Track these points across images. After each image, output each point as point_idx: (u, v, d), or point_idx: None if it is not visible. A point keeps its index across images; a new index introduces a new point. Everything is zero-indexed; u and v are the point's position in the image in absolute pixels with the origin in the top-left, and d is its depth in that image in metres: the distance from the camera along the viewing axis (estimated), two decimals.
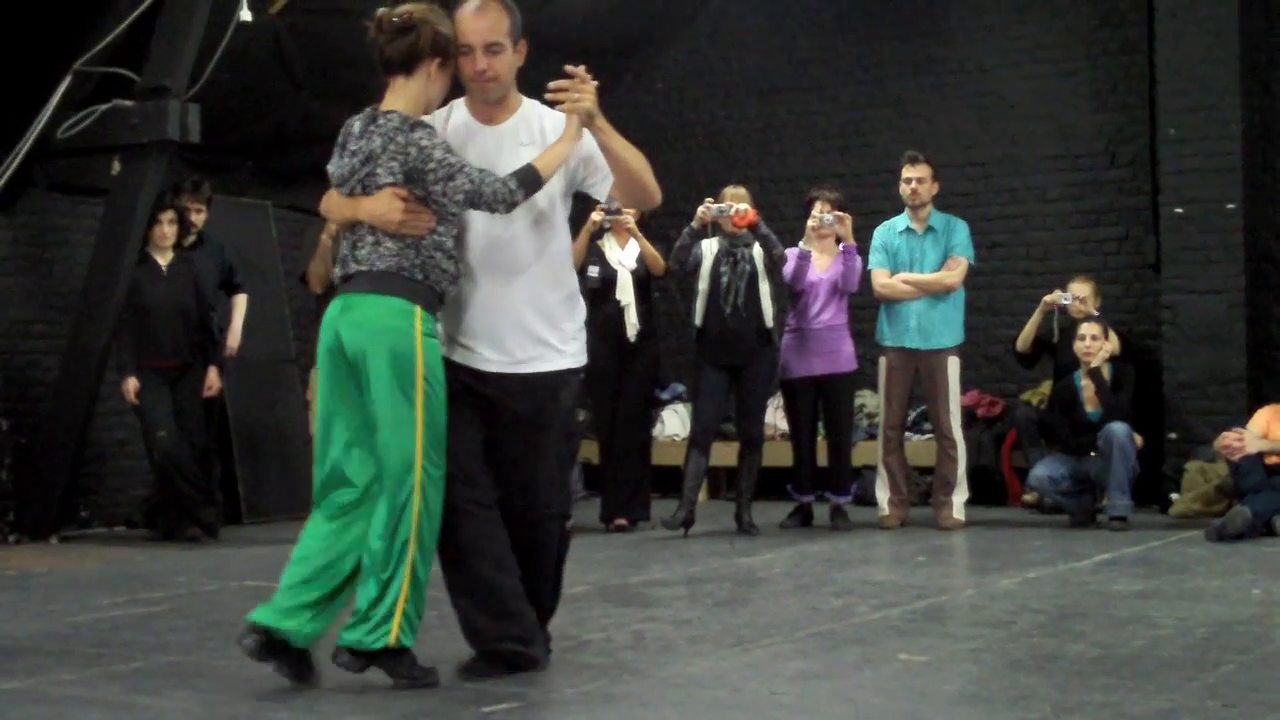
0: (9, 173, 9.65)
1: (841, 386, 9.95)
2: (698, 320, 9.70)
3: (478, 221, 5.03)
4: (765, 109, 13.28)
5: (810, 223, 9.94)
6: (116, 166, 9.74)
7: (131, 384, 9.58)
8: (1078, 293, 10.41)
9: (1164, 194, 10.96)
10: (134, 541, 9.89)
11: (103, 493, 10.67)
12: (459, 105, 5.18)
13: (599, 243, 10.02)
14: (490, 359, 5.05)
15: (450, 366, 4.99)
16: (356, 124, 5.05)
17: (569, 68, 4.99)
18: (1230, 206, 10.64)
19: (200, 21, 9.46)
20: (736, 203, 9.56)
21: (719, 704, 4.71)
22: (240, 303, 10.29)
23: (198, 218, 10.10)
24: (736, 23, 13.36)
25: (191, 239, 10.06)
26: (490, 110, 5.12)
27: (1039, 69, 12.18)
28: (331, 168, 5.10)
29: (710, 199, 9.62)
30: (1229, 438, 9.26)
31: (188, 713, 4.62)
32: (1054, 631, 5.86)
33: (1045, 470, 9.86)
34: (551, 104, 5.03)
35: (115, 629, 6.24)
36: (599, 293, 9.91)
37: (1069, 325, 10.20)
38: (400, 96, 5.02)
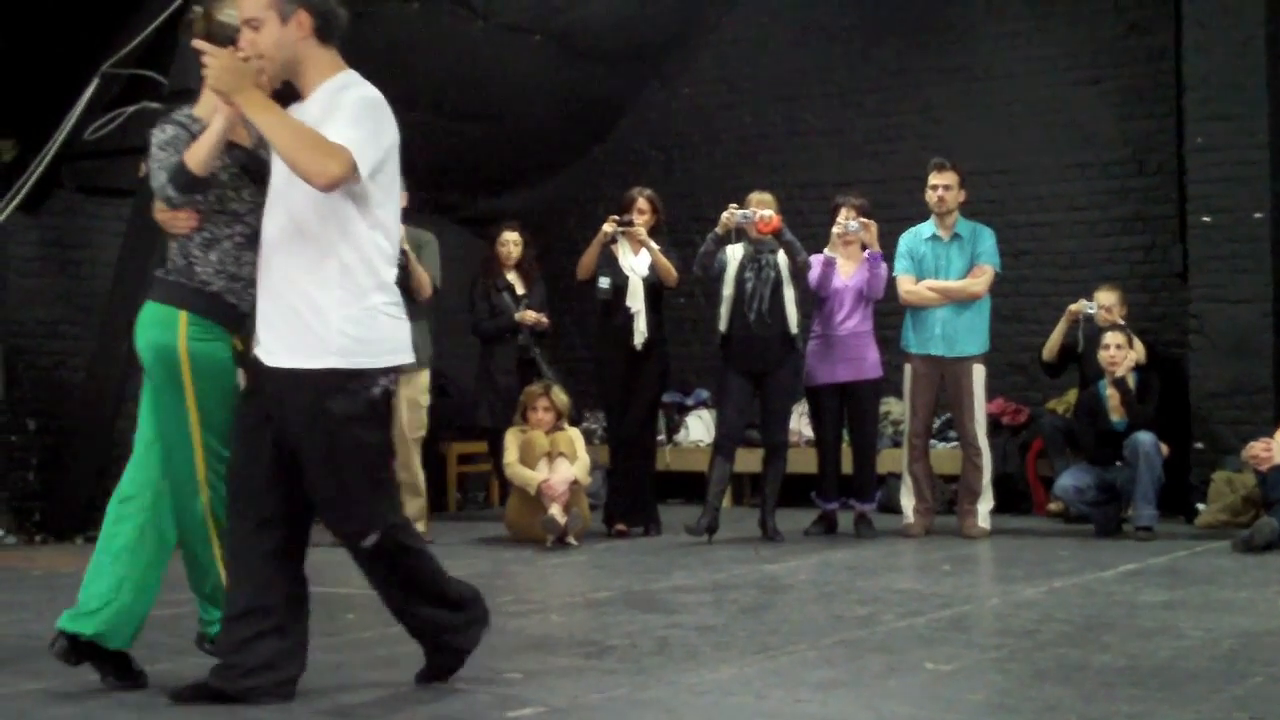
0: (36, 174, 9.68)
1: (866, 393, 9.94)
2: (722, 326, 9.69)
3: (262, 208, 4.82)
4: (791, 115, 13.27)
5: (835, 229, 9.94)
6: (143, 168, 9.69)
7: None
8: (1103, 301, 10.37)
9: (1191, 202, 10.92)
10: None
11: None
12: None
13: (613, 249, 10.02)
14: (264, 349, 4.73)
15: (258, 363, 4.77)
16: None
17: (195, 41, 4.75)
18: (1258, 215, 10.59)
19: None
20: (761, 209, 9.55)
21: (743, 711, 4.70)
22: None
23: None
24: (763, 29, 13.36)
25: None
26: (304, 88, 4.78)
27: (1066, 76, 12.15)
28: None
29: (735, 205, 9.61)
30: (1256, 448, 9.22)
31: (213, 714, 4.63)
32: (1080, 641, 5.84)
33: (1071, 479, 9.83)
34: None
35: (141, 630, 6.24)
36: (610, 302, 9.93)
37: (1095, 334, 10.16)
38: (204, 94, 4.95)
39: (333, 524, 4.77)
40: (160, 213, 4.96)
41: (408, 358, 4.80)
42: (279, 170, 4.69)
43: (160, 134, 4.95)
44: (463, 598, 4.99)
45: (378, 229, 4.71)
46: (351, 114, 4.62)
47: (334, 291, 4.63)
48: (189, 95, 9.29)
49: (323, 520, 4.81)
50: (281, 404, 4.67)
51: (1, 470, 10.01)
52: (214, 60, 4.61)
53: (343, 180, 4.54)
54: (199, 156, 4.79)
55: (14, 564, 8.73)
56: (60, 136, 9.65)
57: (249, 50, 4.67)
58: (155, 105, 9.61)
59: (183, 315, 4.87)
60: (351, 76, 4.75)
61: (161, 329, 4.90)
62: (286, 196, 4.68)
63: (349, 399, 4.62)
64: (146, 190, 9.52)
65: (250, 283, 4.86)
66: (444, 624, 4.96)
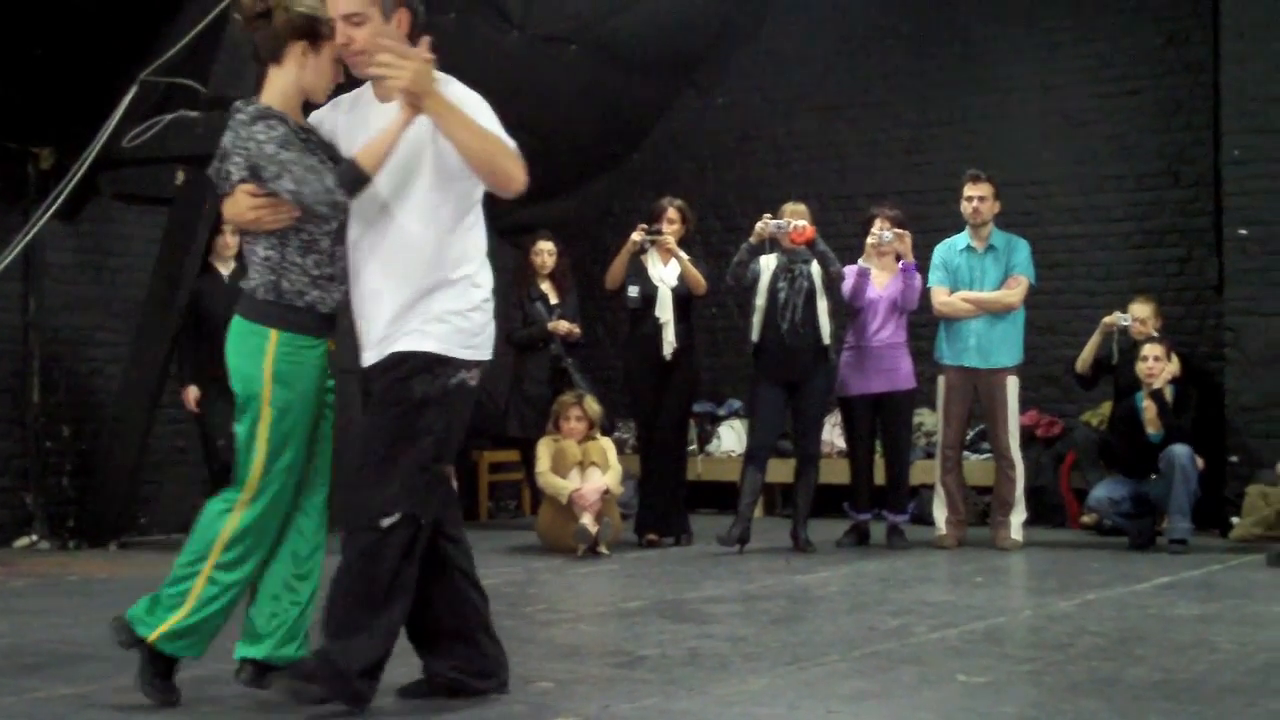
0: (74, 181, 9.74)
1: (900, 405, 9.92)
2: (755, 336, 9.68)
3: (356, 209, 4.73)
4: (826, 125, 13.26)
5: (870, 240, 9.93)
6: (180, 176, 9.82)
7: (192, 393, 9.65)
8: (1138, 314, 10.33)
9: (1227, 215, 10.87)
10: None
11: (162, 500, 10.75)
12: (368, 84, 4.85)
13: (642, 259, 10.03)
14: (367, 353, 4.79)
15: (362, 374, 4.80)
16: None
17: (382, 40, 4.59)
18: None
19: None
20: (795, 219, 9.54)
21: None
22: None
23: None
24: (798, 38, 13.35)
25: None
26: (384, 86, 4.71)
27: (1103, 88, 12.11)
28: (210, 171, 4.91)
29: (769, 214, 9.61)
30: None
31: (240, 713, 4.64)
32: (1113, 655, 5.81)
33: (1105, 492, 9.79)
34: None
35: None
36: (638, 311, 9.94)
37: (1129, 346, 10.12)
38: (271, 87, 4.81)
39: (358, 501, 4.66)
40: (249, 211, 4.69)
41: (490, 355, 4.83)
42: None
43: (262, 133, 4.66)
44: (480, 646, 4.92)
45: (477, 226, 4.80)
46: (485, 114, 4.65)
47: (442, 286, 4.68)
48: (226, 103, 9.43)
49: (344, 504, 4.77)
50: (368, 389, 4.72)
51: (36, 476, 10.08)
52: (408, 60, 4.50)
53: (525, 183, 4.64)
54: (377, 157, 4.59)
55: (49, 570, 8.78)
56: (98, 144, 9.71)
57: (355, 45, 4.64)
58: (192, 114, 9.67)
59: (274, 334, 4.76)
60: (445, 77, 4.70)
61: (250, 349, 4.79)
62: (392, 193, 4.66)
63: (430, 382, 4.65)
64: (185, 198, 9.70)
65: (343, 278, 4.80)
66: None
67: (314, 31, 4.73)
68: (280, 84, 4.78)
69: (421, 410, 4.65)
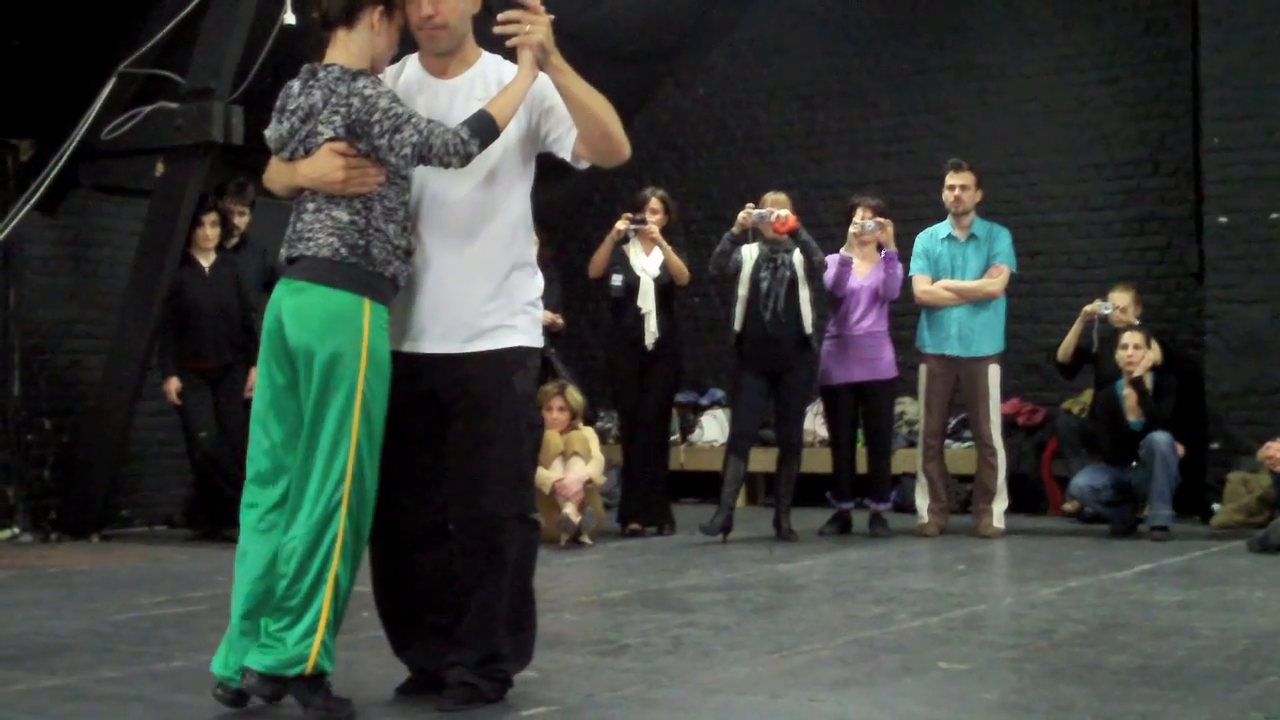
0: (53, 173, 9.73)
1: (882, 393, 9.94)
2: (737, 326, 9.69)
3: (424, 182, 4.60)
4: (807, 115, 13.27)
5: (852, 229, 9.94)
6: (160, 168, 9.81)
7: (173, 384, 9.64)
8: (1118, 302, 10.36)
9: (1207, 203, 10.90)
10: (175, 541, 9.95)
11: (144, 492, 10.74)
12: (411, 60, 4.77)
13: (624, 248, 10.03)
14: (436, 340, 4.61)
15: (395, 358, 4.57)
16: (295, 84, 4.61)
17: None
18: (1274, 216, 10.57)
19: (244, 24, 9.51)
20: (777, 208, 9.55)
21: (757, 710, 4.70)
22: None
23: (240, 220, 10.16)
24: (779, 28, 13.35)
25: (234, 241, 10.12)
26: (444, 63, 4.67)
27: (1082, 76, 12.13)
28: (269, 133, 4.68)
29: (751, 204, 9.61)
30: (1272, 448, 9.21)
31: (228, 712, 4.63)
32: (1095, 641, 5.83)
33: (1086, 479, 9.82)
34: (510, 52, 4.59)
35: (156, 628, 6.27)
36: (621, 300, 9.94)
37: (1110, 335, 10.15)
38: (342, 51, 4.57)
39: (499, 506, 4.58)
40: (335, 170, 4.45)
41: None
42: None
43: (369, 88, 4.44)
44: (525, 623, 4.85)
45: (530, 211, 4.79)
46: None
47: (520, 268, 4.68)
48: (207, 95, 9.44)
49: (475, 504, 4.59)
50: (463, 388, 4.59)
51: (18, 468, 10.05)
52: (541, 20, 4.47)
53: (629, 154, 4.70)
54: (507, 111, 4.48)
55: (30, 562, 8.76)
56: (77, 136, 9.70)
57: (439, 19, 4.56)
58: (172, 105, 9.66)
59: (367, 305, 4.46)
60: (496, 57, 4.70)
61: (348, 317, 4.43)
62: (490, 168, 4.60)
63: (527, 376, 4.67)
64: (165, 189, 9.67)
65: (407, 255, 4.58)
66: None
67: None
68: (354, 48, 4.57)
69: (526, 406, 4.69)
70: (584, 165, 4.76)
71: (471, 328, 4.60)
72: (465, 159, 4.43)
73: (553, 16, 4.52)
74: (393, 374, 4.54)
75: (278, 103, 4.67)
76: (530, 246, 4.78)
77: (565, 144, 4.68)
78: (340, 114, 4.47)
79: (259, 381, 4.65)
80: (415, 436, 4.67)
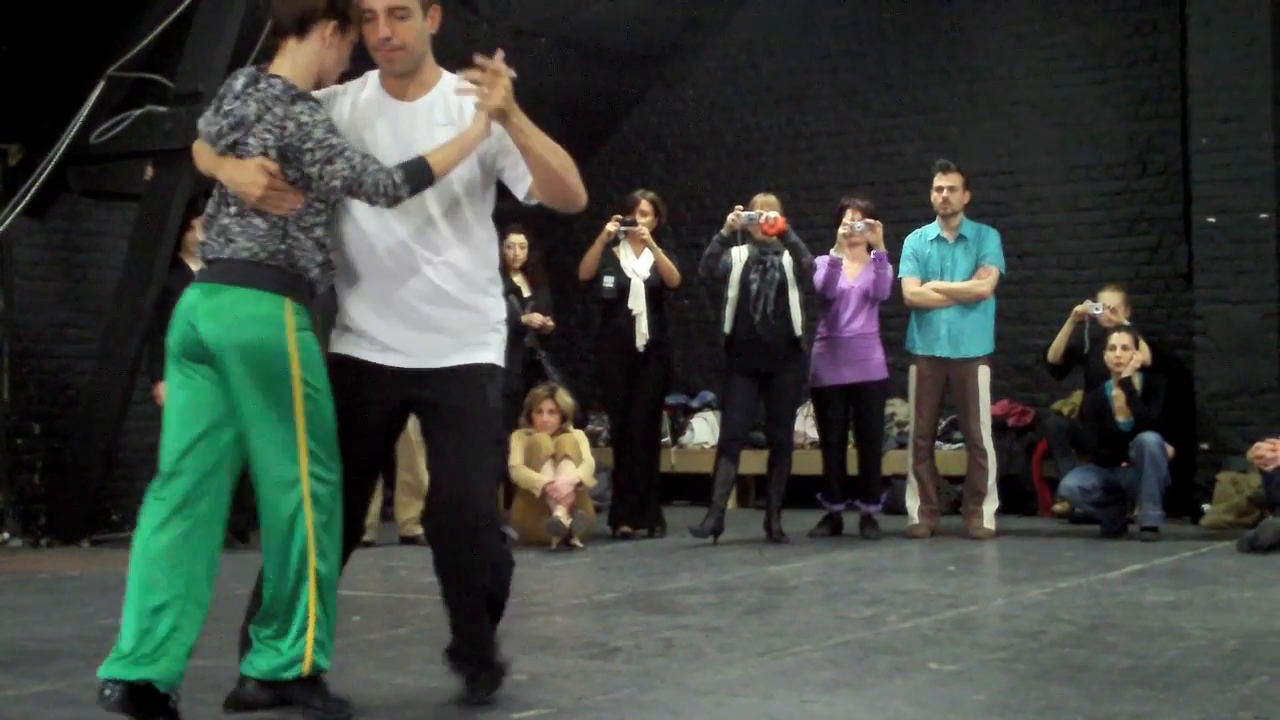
0: (42, 178, 9.71)
1: (872, 395, 9.94)
2: (727, 328, 9.69)
3: (395, 214, 4.57)
4: (796, 116, 13.28)
5: (841, 230, 9.95)
6: (149, 172, 9.80)
7: (163, 389, 9.58)
8: (1108, 302, 10.38)
9: (1196, 203, 10.92)
10: None
11: (134, 497, 10.61)
12: (372, 78, 4.71)
13: (614, 250, 10.04)
14: (415, 354, 4.63)
15: (364, 368, 4.63)
16: (238, 82, 4.56)
17: (478, 58, 4.50)
18: (1263, 216, 10.60)
19: (233, 27, 9.50)
20: (766, 210, 9.55)
21: (748, 711, 4.70)
22: None
23: None
24: (767, 30, 13.36)
25: None
26: (403, 85, 4.65)
27: (1071, 78, 12.15)
28: (202, 124, 4.62)
29: (740, 206, 9.62)
30: (1261, 448, 9.22)
31: (217, 717, 4.63)
32: (1085, 642, 5.84)
33: (1076, 480, 9.83)
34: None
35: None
36: (611, 302, 9.94)
37: (1100, 335, 10.17)
38: (289, 61, 4.52)
39: (471, 512, 4.60)
40: (255, 186, 4.39)
41: None
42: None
43: (306, 114, 4.41)
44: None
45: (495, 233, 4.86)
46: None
47: (489, 296, 4.74)
48: (196, 98, 9.43)
49: (453, 511, 4.62)
50: (440, 400, 4.64)
51: (7, 473, 10.03)
52: (502, 81, 4.46)
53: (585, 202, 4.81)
54: (448, 163, 4.49)
55: (20, 567, 8.74)
56: (66, 140, 9.68)
57: (396, 40, 4.53)
58: (161, 109, 9.65)
59: (288, 303, 4.42)
60: (457, 78, 4.66)
61: (269, 314, 4.39)
62: (464, 192, 4.65)
63: (496, 392, 4.72)
64: (155, 193, 9.66)
65: (325, 267, 4.55)
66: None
67: (345, 14, 4.54)
68: (301, 60, 4.53)
69: (495, 420, 4.76)
70: (534, 203, 4.80)
71: (449, 343, 4.65)
72: (393, 201, 4.43)
73: (513, 74, 4.51)
74: (365, 384, 4.61)
75: (220, 90, 4.63)
76: (493, 267, 4.81)
77: (520, 185, 4.73)
78: (273, 134, 4.42)
79: (169, 392, 4.59)
80: (372, 444, 4.76)
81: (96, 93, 9.69)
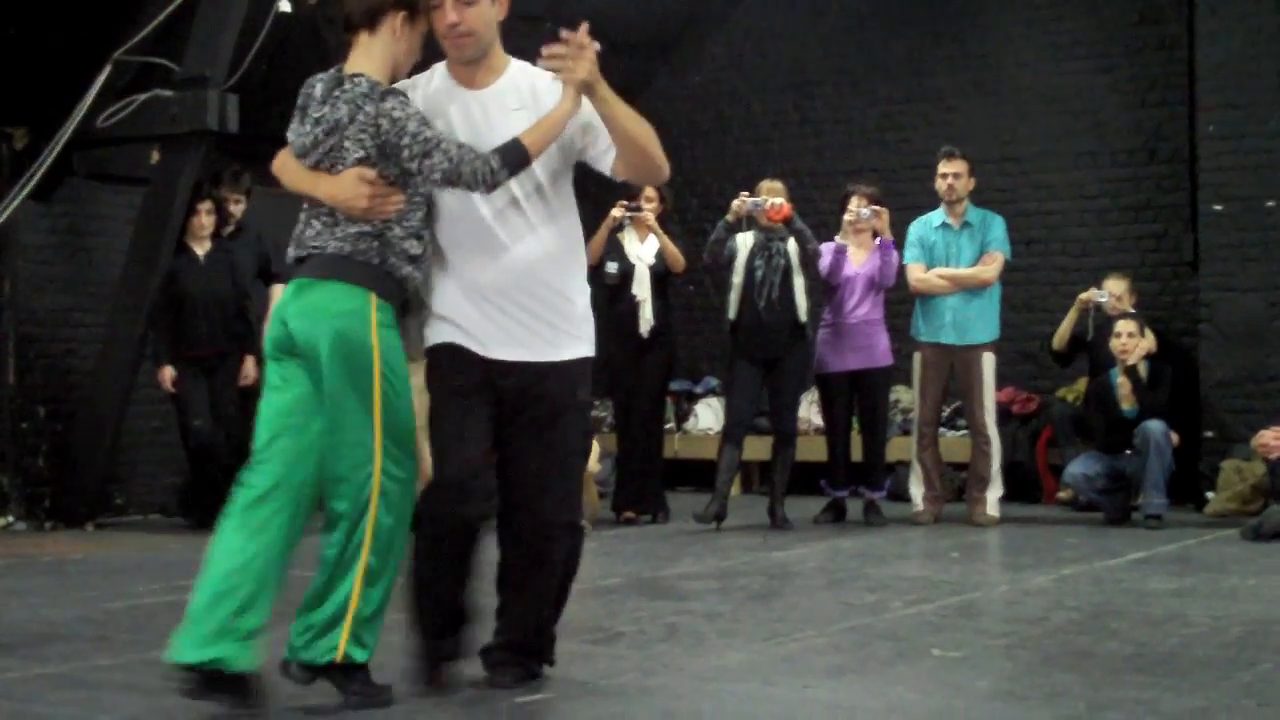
0: (48, 162, 9.71)
1: (877, 381, 9.94)
2: (731, 314, 9.69)
3: (481, 195, 4.54)
4: (801, 103, 13.26)
5: (847, 217, 9.93)
6: (155, 156, 9.80)
7: (168, 373, 9.64)
8: (1113, 290, 10.37)
9: (1203, 191, 10.89)
10: (169, 529, 9.95)
11: (138, 480, 10.73)
12: (440, 69, 4.70)
13: (619, 236, 10.03)
14: (514, 346, 4.60)
15: (458, 355, 4.61)
16: (318, 86, 4.53)
17: (564, 32, 4.49)
18: (1270, 204, 10.57)
19: (239, 12, 9.50)
20: (772, 196, 9.54)
21: (751, 697, 4.71)
22: (278, 292, 10.29)
23: (236, 208, 10.15)
24: (773, 16, 13.34)
25: (230, 229, 10.10)
26: (471, 72, 4.61)
27: (1077, 65, 12.12)
28: (291, 135, 4.58)
29: (745, 193, 9.60)
30: (1266, 436, 9.20)
31: (222, 700, 4.63)
32: (1088, 629, 5.84)
33: (1081, 467, 9.83)
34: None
35: (150, 616, 6.27)
36: (616, 287, 9.92)
37: (1105, 323, 10.15)
38: (365, 56, 4.51)
39: (550, 510, 4.70)
40: (360, 198, 4.39)
41: None
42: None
43: (398, 110, 4.40)
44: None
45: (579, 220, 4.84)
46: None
47: (577, 281, 4.74)
48: (202, 83, 9.43)
49: (532, 510, 4.69)
50: (536, 396, 4.62)
51: (12, 457, 10.04)
52: (587, 54, 4.47)
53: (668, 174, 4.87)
54: (542, 143, 4.49)
55: (24, 550, 8.76)
56: (72, 124, 9.69)
57: (464, 26, 4.51)
58: (166, 93, 9.65)
59: (373, 298, 4.42)
60: (525, 64, 4.68)
61: (354, 308, 4.40)
62: (551, 178, 4.64)
63: (588, 385, 4.76)
64: (160, 177, 9.67)
65: (419, 261, 4.54)
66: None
67: (414, 4, 4.52)
68: (376, 53, 4.52)
69: (585, 418, 4.84)
70: (620, 179, 4.82)
71: (545, 336, 4.63)
72: (493, 187, 4.44)
73: (598, 47, 4.50)
74: (463, 374, 4.59)
75: (299, 100, 4.59)
76: (582, 255, 4.86)
77: (604, 162, 4.70)
78: (368, 134, 4.41)
79: (265, 391, 4.59)
80: (476, 421, 4.68)
81: (102, 77, 9.69)
